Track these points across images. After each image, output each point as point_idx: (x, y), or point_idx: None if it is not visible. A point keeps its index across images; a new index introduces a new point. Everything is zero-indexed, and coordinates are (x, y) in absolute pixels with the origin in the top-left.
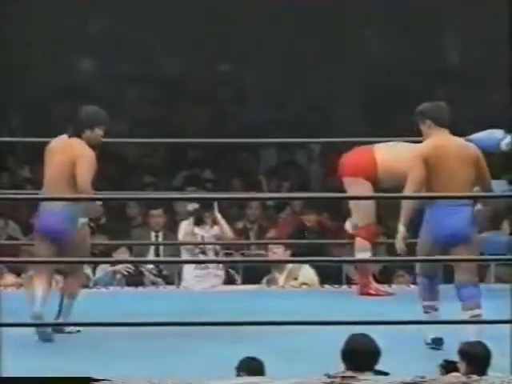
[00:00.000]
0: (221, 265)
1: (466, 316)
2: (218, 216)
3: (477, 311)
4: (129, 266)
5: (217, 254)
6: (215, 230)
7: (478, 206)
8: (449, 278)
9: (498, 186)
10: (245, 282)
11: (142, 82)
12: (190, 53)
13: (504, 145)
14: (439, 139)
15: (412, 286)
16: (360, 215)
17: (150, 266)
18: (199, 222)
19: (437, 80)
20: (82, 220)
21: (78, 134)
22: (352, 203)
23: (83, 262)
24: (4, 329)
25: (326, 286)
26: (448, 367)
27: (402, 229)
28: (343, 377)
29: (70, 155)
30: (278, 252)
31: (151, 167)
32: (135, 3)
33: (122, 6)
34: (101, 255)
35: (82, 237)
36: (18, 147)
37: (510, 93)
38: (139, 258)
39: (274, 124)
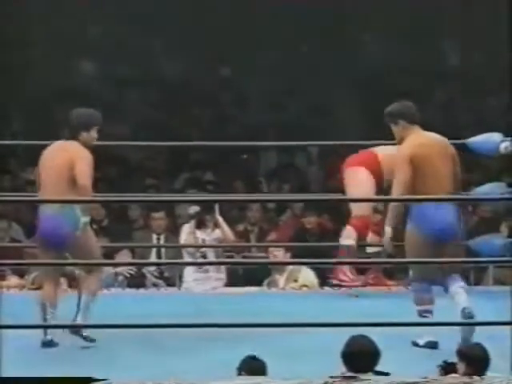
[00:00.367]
0: (222, 268)
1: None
2: (220, 219)
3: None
4: (131, 267)
5: (218, 257)
6: (217, 233)
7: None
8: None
9: (497, 189)
10: (246, 284)
11: (143, 85)
12: (191, 56)
13: (503, 148)
14: (419, 137)
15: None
16: (356, 205)
17: (152, 268)
18: (201, 225)
19: (436, 82)
20: (84, 219)
21: (74, 136)
22: (350, 192)
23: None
24: (5, 330)
25: (326, 287)
26: (447, 368)
27: (388, 230)
28: (345, 377)
29: (67, 158)
30: (278, 255)
31: (153, 170)
32: (137, 6)
33: (123, 8)
34: (103, 257)
35: (86, 237)
36: (20, 150)
37: (509, 96)
38: (140, 260)
39: (274, 127)
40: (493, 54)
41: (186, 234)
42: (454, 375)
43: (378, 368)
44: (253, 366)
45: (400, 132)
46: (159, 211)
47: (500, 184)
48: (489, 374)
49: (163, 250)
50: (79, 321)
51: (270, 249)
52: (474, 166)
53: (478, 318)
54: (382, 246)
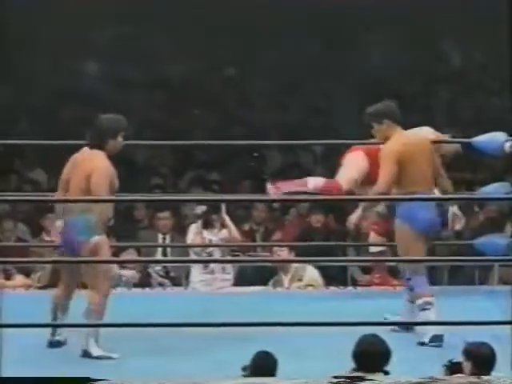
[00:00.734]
0: (228, 269)
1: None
2: (227, 219)
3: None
4: (136, 274)
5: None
6: (223, 233)
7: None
8: (453, 278)
9: (502, 189)
10: (252, 284)
11: (148, 86)
12: (196, 57)
13: (507, 147)
14: (403, 136)
15: None
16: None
17: (158, 268)
18: (207, 225)
19: (438, 83)
20: (96, 237)
21: (100, 144)
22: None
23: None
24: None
25: (331, 287)
26: (453, 368)
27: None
28: (349, 377)
29: (87, 168)
30: (282, 254)
31: (158, 169)
32: (142, 8)
33: (128, 10)
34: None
35: (97, 249)
36: (27, 150)
37: (511, 96)
38: (145, 258)
39: (278, 127)
40: (494, 53)
41: (193, 234)
42: (460, 375)
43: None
44: (265, 361)
45: (384, 131)
46: (165, 211)
47: (505, 184)
48: (493, 373)
49: (169, 249)
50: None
51: (275, 248)
52: (479, 166)
53: (483, 318)
54: (386, 245)
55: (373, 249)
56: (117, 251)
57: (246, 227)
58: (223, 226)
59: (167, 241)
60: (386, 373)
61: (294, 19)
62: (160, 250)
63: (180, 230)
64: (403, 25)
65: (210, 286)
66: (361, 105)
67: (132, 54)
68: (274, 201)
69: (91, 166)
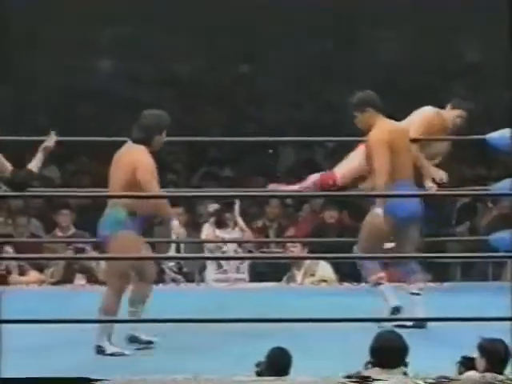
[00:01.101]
0: (242, 268)
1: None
2: (240, 221)
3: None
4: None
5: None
6: (237, 232)
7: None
8: (466, 274)
9: None
10: (266, 280)
11: (160, 83)
12: (208, 54)
13: None
14: (387, 124)
15: (429, 283)
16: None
17: (171, 264)
18: (220, 223)
19: (453, 78)
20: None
21: (146, 140)
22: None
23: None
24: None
25: (345, 283)
26: (466, 364)
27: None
28: (361, 377)
29: (130, 162)
30: (294, 250)
31: (172, 166)
32: (154, 5)
33: (141, 7)
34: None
35: (122, 244)
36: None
37: None
38: (159, 255)
39: (291, 123)
40: (510, 49)
41: (207, 232)
42: (473, 372)
43: None
44: (279, 358)
45: (368, 119)
46: (178, 207)
47: None
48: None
49: (182, 246)
50: None
51: (288, 244)
52: (493, 162)
53: (495, 314)
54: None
55: (387, 244)
56: None
57: (259, 224)
58: (236, 224)
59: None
60: (406, 365)
61: (307, 17)
62: (173, 246)
63: (194, 226)
64: (415, 21)
65: (224, 284)
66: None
67: (144, 52)
68: (286, 196)
69: (134, 160)
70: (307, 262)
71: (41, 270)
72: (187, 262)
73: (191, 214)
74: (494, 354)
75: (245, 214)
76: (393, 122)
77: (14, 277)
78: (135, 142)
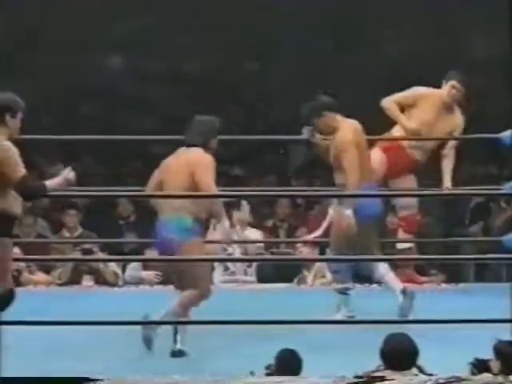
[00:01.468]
0: (249, 271)
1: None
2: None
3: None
4: (158, 274)
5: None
6: (246, 233)
7: None
8: (480, 275)
9: None
10: (275, 281)
11: (169, 80)
12: (218, 51)
13: None
14: (350, 124)
15: (443, 284)
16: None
17: None
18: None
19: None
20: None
21: (203, 144)
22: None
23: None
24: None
25: (356, 284)
26: (479, 366)
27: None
28: (371, 377)
29: (191, 165)
30: (304, 251)
31: None
32: (164, 1)
33: (150, 2)
34: (131, 253)
35: (191, 249)
36: (48, 145)
37: None
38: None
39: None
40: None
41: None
42: (487, 374)
43: None
44: (289, 360)
45: (329, 122)
46: None
47: None
48: None
49: None
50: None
51: (298, 245)
52: (505, 161)
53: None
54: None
55: (400, 246)
56: (140, 248)
57: (270, 223)
58: (244, 225)
59: None
60: (419, 368)
61: (319, 14)
62: None
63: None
64: (425, 18)
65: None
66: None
67: (154, 48)
68: (297, 196)
69: (195, 162)
70: (318, 263)
71: (48, 271)
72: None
73: None
74: (509, 356)
75: (255, 213)
76: (353, 121)
77: (26, 276)
78: (192, 146)
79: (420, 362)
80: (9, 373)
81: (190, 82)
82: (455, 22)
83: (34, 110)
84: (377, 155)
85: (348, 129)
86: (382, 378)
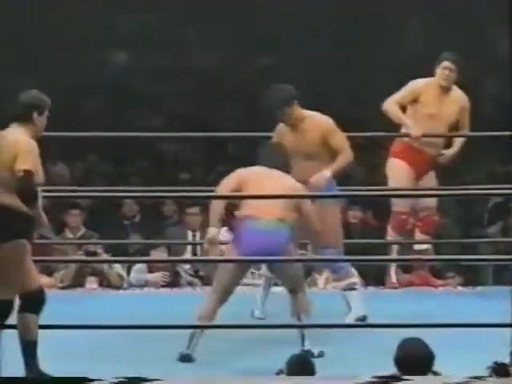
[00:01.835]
0: (258, 274)
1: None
2: None
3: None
4: (166, 274)
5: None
6: None
7: None
8: (499, 278)
9: None
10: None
11: (178, 76)
12: (228, 46)
13: None
14: (318, 113)
15: (459, 287)
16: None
17: (187, 267)
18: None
19: (486, 72)
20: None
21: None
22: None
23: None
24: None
25: (370, 287)
26: (498, 370)
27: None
28: (387, 376)
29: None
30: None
31: (187, 163)
32: None
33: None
34: (136, 255)
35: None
36: (49, 143)
37: None
38: (173, 258)
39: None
40: None
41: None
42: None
43: None
44: (301, 365)
45: (296, 112)
46: (194, 206)
47: None
48: None
49: (199, 247)
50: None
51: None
52: None
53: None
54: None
55: (417, 247)
56: (145, 249)
57: None
58: None
59: (197, 238)
60: (435, 374)
61: (331, 7)
62: (189, 247)
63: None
64: (444, 11)
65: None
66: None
67: (160, 43)
68: (307, 196)
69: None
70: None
71: (50, 273)
72: (203, 264)
73: (207, 212)
74: None
75: None
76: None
77: None
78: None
79: (436, 367)
80: (9, 373)
81: (196, 77)
82: (482, 14)
83: None
84: (398, 164)
85: (320, 115)
86: (399, 378)
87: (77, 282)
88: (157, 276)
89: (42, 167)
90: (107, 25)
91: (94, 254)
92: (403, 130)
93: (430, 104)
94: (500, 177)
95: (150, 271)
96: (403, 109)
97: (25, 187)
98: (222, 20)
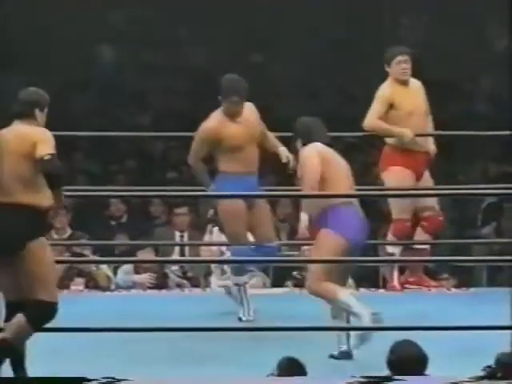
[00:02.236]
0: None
1: None
2: None
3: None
4: (152, 276)
5: None
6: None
7: None
8: (493, 279)
9: None
10: (274, 284)
11: (167, 73)
12: (219, 43)
13: None
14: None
15: (453, 289)
16: (395, 207)
17: (175, 268)
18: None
19: (481, 68)
20: None
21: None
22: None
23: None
24: None
25: (362, 289)
26: (490, 373)
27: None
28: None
29: None
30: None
31: (175, 162)
32: None
33: None
34: (123, 255)
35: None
36: None
37: None
38: (161, 258)
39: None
40: None
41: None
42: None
43: None
44: (291, 368)
45: (231, 109)
46: (182, 207)
47: None
48: None
49: (187, 248)
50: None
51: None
52: None
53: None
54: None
55: (417, 247)
56: (132, 250)
57: None
58: None
59: (185, 239)
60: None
61: (326, 3)
62: (177, 248)
63: (198, 227)
64: (443, 7)
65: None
66: None
67: (151, 39)
68: (301, 196)
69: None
70: None
71: None
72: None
73: (195, 213)
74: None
75: None
76: None
77: None
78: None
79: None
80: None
81: (188, 74)
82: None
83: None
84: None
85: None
86: (390, 379)
87: (62, 285)
88: (144, 277)
89: None
90: (95, 19)
91: (81, 256)
92: (390, 141)
93: (404, 103)
94: (494, 176)
95: (137, 272)
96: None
97: (53, 169)
98: (214, 17)
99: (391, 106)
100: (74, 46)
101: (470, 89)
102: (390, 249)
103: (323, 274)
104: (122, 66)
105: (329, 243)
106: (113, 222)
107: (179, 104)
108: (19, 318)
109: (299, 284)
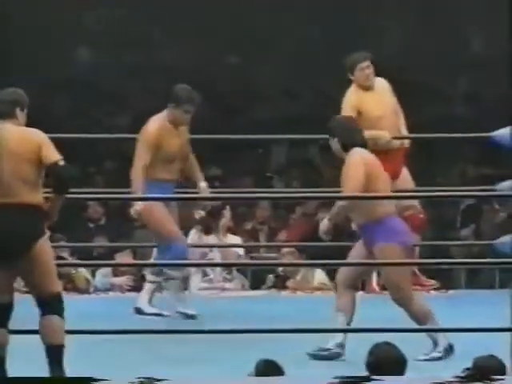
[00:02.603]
0: (229, 277)
1: None
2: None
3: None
4: (130, 278)
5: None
6: (229, 238)
7: None
8: (472, 281)
9: None
10: (253, 287)
11: (144, 74)
12: (196, 44)
13: None
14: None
15: (432, 292)
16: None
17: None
18: (208, 230)
19: (459, 69)
20: None
21: None
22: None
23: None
24: None
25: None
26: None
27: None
28: (358, 377)
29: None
30: (287, 256)
31: None
32: None
33: None
34: (101, 258)
35: None
36: None
37: None
38: (141, 261)
39: (285, 119)
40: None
41: (192, 240)
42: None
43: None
44: (268, 370)
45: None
46: None
47: None
48: None
49: None
50: None
51: (283, 250)
52: (499, 161)
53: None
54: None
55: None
56: (110, 253)
57: (249, 226)
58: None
59: None
60: None
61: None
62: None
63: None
64: (418, 9)
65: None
66: None
67: (127, 40)
68: (280, 198)
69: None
70: (303, 269)
71: None
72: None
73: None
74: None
75: (233, 215)
76: None
77: None
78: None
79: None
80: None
81: (165, 75)
82: (458, 13)
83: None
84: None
85: None
86: (368, 378)
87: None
88: (122, 280)
89: None
90: (71, 20)
91: (60, 258)
92: None
93: (371, 108)
94: (473, 178)
95: (116, 275)
96: None
97: (68, 175)
98: (192, 17)
99: (359, 114)
100: (50, 47)
101: (447, 90)
102: None
103: (405, 281)
104: (99, 66)
105: (393, 256)
106: (91, 225)
107: (158, 105)
108: (51, 318)
109: (278, 286)
